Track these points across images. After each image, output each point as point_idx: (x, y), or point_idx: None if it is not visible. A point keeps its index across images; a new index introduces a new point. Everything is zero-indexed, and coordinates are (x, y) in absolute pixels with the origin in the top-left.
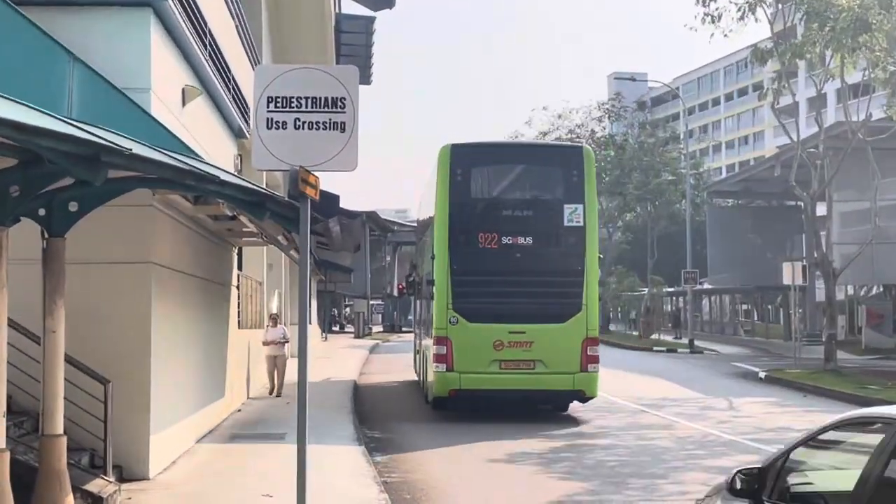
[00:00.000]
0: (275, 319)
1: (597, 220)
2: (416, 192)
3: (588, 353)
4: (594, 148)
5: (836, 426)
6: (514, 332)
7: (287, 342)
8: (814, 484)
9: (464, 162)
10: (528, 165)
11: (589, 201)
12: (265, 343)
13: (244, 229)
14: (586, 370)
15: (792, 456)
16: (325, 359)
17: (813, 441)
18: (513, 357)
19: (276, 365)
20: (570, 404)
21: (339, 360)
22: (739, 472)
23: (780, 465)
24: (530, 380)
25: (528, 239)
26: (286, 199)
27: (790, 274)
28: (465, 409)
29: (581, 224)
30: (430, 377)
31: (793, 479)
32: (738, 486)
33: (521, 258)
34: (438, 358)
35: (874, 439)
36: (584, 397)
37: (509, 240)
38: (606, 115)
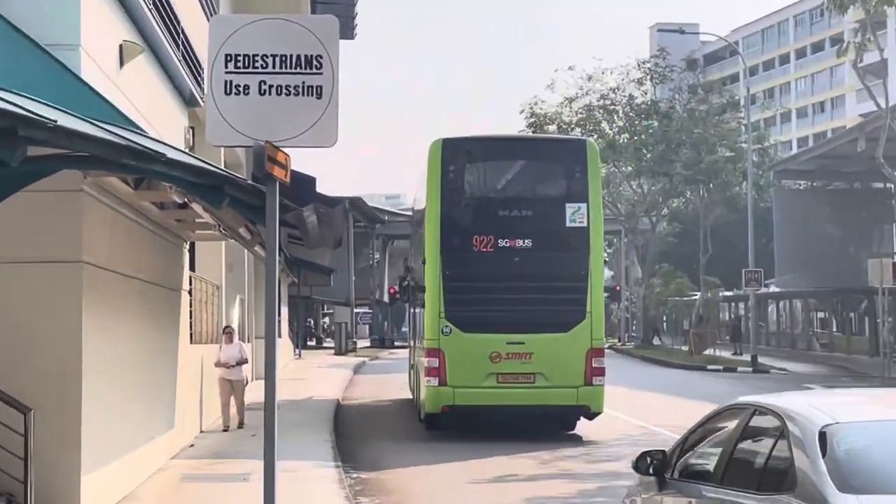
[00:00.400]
0: (230, 334)
1: (602, 221)
2: (412, 175)
3: (593, 365)
4: (633, 117)
5: (718, 413)
6: (512, 342)
7: (246, 363)
8: (701, 463)
9: (456, 158)
10: (526, 161)
11: (593, 200)
12: (218, 365)
13: (198, 220)
14: (591, 383)
15: (689, 439)
16: (298, 381)
17: (703, 427)
18: (511, 370)
19: (232, 393)
20: (587, 424)
21: (315, 381)
22: (646, 453)
23: (679, 448)
24: (530, 394)
25: (526, 241)
26: (249, 182)
27: (877, 273)
28: (462, 428)
29: (584, 225)
30: (422, 393)
31: (688, 460)
32: (646, 465)
33: (520, 262)
34: (430, 371)
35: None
36: (589, 413)
37: (506, 242)
38: (648, 77)
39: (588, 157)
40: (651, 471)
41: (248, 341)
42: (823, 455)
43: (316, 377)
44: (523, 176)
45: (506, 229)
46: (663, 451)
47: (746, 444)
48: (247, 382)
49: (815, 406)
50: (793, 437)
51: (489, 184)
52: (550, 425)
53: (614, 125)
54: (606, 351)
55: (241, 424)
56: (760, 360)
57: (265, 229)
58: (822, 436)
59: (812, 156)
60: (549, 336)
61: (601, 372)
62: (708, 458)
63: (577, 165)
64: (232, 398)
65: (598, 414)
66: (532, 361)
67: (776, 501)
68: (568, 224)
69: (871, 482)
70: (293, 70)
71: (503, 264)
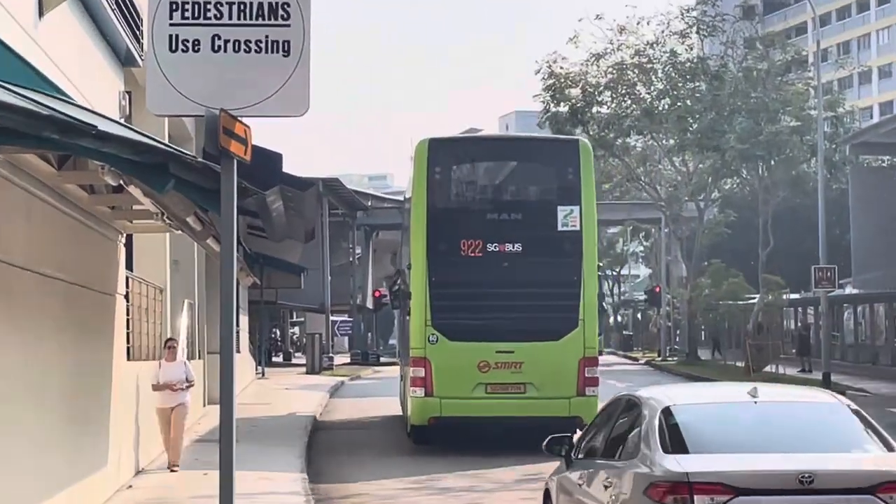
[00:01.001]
0: (172, 348)
1: (595, 224)
2: (402, 152)
3: (586, 375)
4: (676, 78)
5: (607, 405)
6: (501, 351)
7: (191, 385)
8: (593, 444)
9: (443, 159)
10: (516, 162)
11: (586, 202)
12: (157, 388)
13: (136, 207)
14: (584, 394)
15: (591, 427)
16: (259, 406)
17: (600, 416)
18: (500, 380)
19: (170, 423)
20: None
21: (282, 406)
22: (555, 439)
23: (584, 434)
24: (520, 405)
25: (516, 246)
26: (200, 160)
27: None
28: (451, 442)
29: (577, 228)
30: (409, 404)
31: (588, 442)
32: (558, 450)
33: (509, 268)
34: (416, 382)
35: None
36: (581, 425)
37: (496, 247)
38: (694, 29)
39: (581, 157)
40: (562, 453)
41: (199, 357)
42: (659, 428)
43: (282, 401)
44: (513, 177)
45: (495, 233)
46: (570, 437)
47: (619, 425)
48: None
49: (664, 394)
50: (644, 417)
51: (478, 186)
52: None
53: (652, 88)
54: (644, 368)
55: (172, 466)
56: (834, 378)
57: (219, 218)
58: (662, 415)
59: None
60: (539, 344)
61: (595, 382)
62: (597, 439)
63: (570, 166)
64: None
65: None
66: (522, 371)
67: (629, 465)
68: (560, 228)
69: (689, 445)
70: (254, 21)
71: (492, 270)
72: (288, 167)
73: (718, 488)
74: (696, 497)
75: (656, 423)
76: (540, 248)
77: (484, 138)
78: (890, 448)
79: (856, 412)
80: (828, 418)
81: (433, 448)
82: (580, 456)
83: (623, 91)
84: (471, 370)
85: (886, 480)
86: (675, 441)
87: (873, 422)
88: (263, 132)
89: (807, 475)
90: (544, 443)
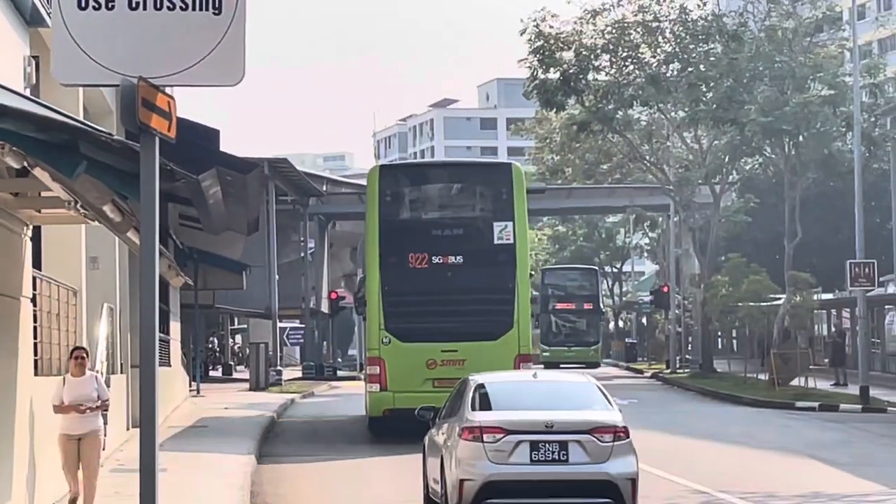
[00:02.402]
0: (80, 359)
1: (527, 237)
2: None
3: (521, 369)
4: (686, 39)
5: (458, 384)
6: (446, 350)
7: (105, 406)
8: (446, 409)
9: (392, 183)
10: (456, 184)
11: (518, 218)
12: (60, 409)
13: (44, 194)
14: None
15: (448, 398)
16: (192, 430)
17: (453, 391)
18: (446, 375)
19: (79, 453)
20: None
21: (217, 432)
22: (422, 408)
23: (444, 405)
24: None
25: (458, 258)
26: (118, 137)
27: None
28: (403, 431)
29: (511, 241)
30: (366, 398)
31: (443, 410)
32: (427, 417)
33: (452, 277)
34: (372, 378)
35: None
36: None
37: (440, 259)
38: None
39: (514, 179)
40: (429, 418)
41: (121, 371)
42: (472, 397)
43: (220, 425)
44: (455, 198)
45: (439, 247)
46: (434, 407)
47: (455, 396)
48: (104, 445)
49: (480, 377)
50: (467, 390)
51: (423, 205)
52: None
53: (659, 51)
54: (650, 382)
55: None
56: (873, 392)
57: (141, 206)
58: (475, 388)
59: None
60: (479, 344)
61: None
62: (447, 407)
63: (504, 187)
64: (79, 464)
65: None
66: (465, 367)
67: (455, 419)
68: (496, 241)
69: (488, 406)
70: None
71: (437, 279)
72: (227, 146)
73: (497, 430)
74: (484, 435)
75: (471, 393)
76: (478, 260)
77: (428, 164)
78: (610, 408)
79: (598, 388)
80: (578, 390)
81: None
82: (438, 419)
83: (624, 54)
84: (420, 367)
85: (598, 425)
86: (481, 404)
87: (607, 394)
88: (196, 105)
89: (549, 423)
90: (416, 411)
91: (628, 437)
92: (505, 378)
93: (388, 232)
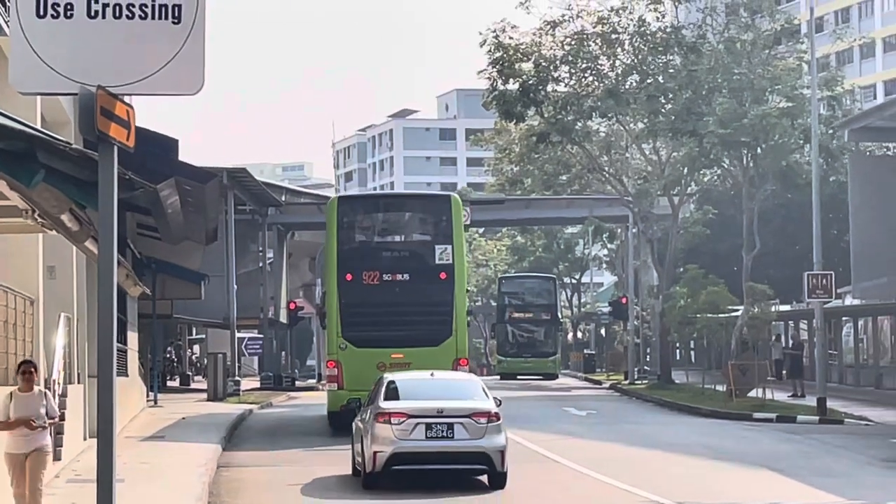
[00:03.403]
0: (28, 373)
1: (464, 258)
2: (322, 139)
3: (457, 370)
4: (645, 51)
5: (378, 379)
6: (394, 355)
7: (54, 422)
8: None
9: (349, 211)
10: (404, 213)
11: (456, 242)
12: (6, 426)
13: (0, 203)
14: None
15: (370, 391)
16: (149, 441)
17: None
18: None
19: (25, 472)
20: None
21: (172, 444)
22: (350, 399)
23: (367, 397)
24: None
25: (405, 276)
26: (76, 147)
27: None
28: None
29: (450, 262)
30: (326, 396)
31: (367, 400)
32: (355, 406)
33: (400, 292)
34: (331, 378)
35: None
36: None
37: (389, 277)
38: None
39: (452, 208)
40: (355, 406)
41: (79, 381)
42: (384, 389)
43: (177, 435)
44: (402, 224)
45: (388, 266)
46: (359, 399)
47: (373, 390)
48: (49, 460)
49: (391, 375)
50: (381, 385)
51: (375, 231)
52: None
53: (618, 62)
54: (608, 393)
55: None
56: (831, 404)
57: (99, 215)
58: (387, 383)
59: None
60: (423, 349)
61: None
62: (369, 398)
63: (444, 215)
64: (25, 484)
65: None
66: (410, 370)
67: (371, 408)
68: (437, 262)
69: (396, 396)
70: None
71: (387, 294)
72: (186, 156)
73: (401, 415)
74: (392, 418)
75: (383, 388)
76: (422, 277)
77: (380, 195)
78: (487, 399)
79: (479, 384)
80: (463, 385)
81: None
82: (362, 409)
83: (584, 66)
84: (371, 369)
85: (476, 411)
86: (391, 395)
87: (486, 388)
88: (155, 115)
89: (440, 409)
90: (348, 402)
91: (499, 420)
92: (409, 377)
93: (345, 253)
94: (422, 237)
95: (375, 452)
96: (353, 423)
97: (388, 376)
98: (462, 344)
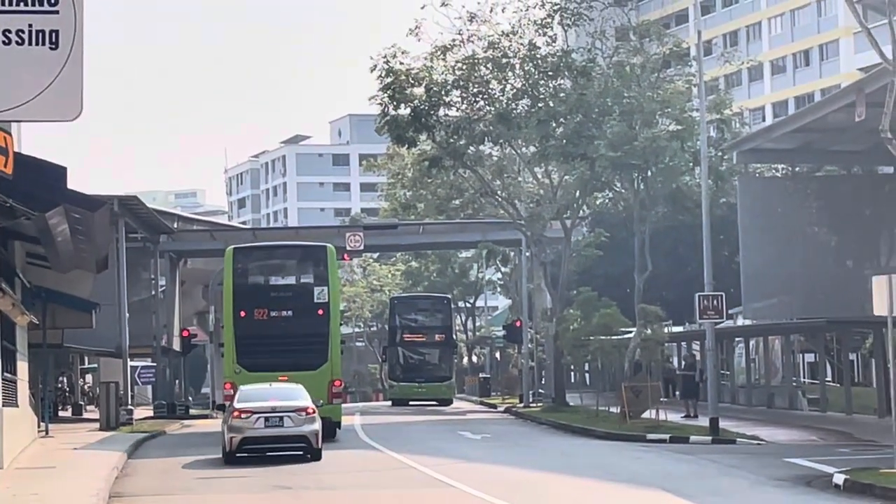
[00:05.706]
0: None
1: (339, 297)
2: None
3: (333, 391)
4: (536, 75)
5: (236, 389)
6: (281, 377)
7: None
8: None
9: (242, 259)
10: (289, 260)
11: (332, 284)
12: None
13: None
14: (332, 402)
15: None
16: (39, 470)
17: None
18: None
19: None
20: None
21: (67, 471)
22: (219, 404)
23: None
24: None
25: (289, 312)
26: None
27: (885, 296)
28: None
29: (326, 301)
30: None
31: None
32: (220, 407)
33: (285, 325)
34: (227, 398)
35: None
36: (332, 422)
37: (276, 313)
38: (556, 16)
39: (328, 257)
40: (222, 408)
41: None
42: (237, 395)
43: (69, 466)
44: (288, 269)
45: (276, 304)
46: (224, 404)
47: (234, 395)
48: None
49: (245, 386)
50: (237, 392)
51: (265, 274)
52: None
53: (508, 86)
54: (503, 417)
55: None
56: (724, 424)
57: None
58: (240, 391)
59: (792, 128)
60: (304, 373)
61: (339, 395)
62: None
63: (321, 262)
64: None
65: (338, 423)
66: None
67: (230, 407)
68: (316, 300)
69: (246, 400)
70: (13, 7)
71: (274, 327)
72: (77, 184)
73: (248, 411)
74: (242, 414)
75: (239, 393)
76: (303, 313)
77: (268, 246)
78: (307, 400)
79: (302, 390)
80: (292, 391)
81: None
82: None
83: (475, 90)
84: None
85: (299, 408)
86: (243, 398)
87: (307, 394)
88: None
89: (274, 407)
90: (215, 405)
91: (315, 413)
92: (256, 387)
93: (239, 294)
94: (303, 280)
95: (231, 438)
96: (222, 421)
97: (243, 387)
98: (336, 367)
